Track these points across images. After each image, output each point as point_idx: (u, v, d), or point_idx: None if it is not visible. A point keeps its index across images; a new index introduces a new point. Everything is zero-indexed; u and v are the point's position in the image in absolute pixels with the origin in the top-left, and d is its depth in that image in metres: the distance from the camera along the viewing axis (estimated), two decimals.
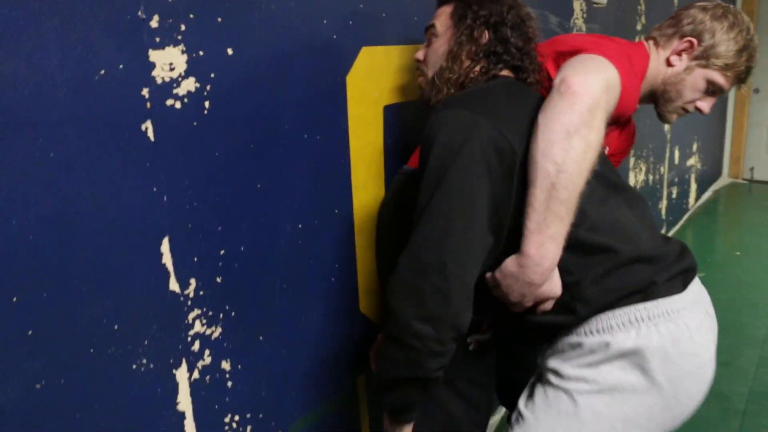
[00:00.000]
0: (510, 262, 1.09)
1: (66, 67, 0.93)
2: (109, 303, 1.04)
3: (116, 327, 1.06)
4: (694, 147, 4.81)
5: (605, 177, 1.15)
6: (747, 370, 2.66)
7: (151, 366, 1.12)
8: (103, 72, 0.98)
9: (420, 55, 1.35)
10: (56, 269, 0.96)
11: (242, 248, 1.23)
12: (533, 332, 1.22)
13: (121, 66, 1.00)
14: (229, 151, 1.18)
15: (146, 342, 1.11)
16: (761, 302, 3.30)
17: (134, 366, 1.10)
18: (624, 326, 1.06)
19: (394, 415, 1.19)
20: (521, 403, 1.19)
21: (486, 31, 1.23)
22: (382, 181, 1.56)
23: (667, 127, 4.04)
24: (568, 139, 1.01)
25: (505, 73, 1.25)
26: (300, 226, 1.35)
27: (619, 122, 1.50)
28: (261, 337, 1.31)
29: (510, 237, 1.09)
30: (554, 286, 1.10)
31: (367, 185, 1.52)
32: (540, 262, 1.05)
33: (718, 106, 5.44)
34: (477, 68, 1.24)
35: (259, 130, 1.23)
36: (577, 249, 1.09)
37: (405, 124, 1.59)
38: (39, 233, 0.93)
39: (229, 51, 1.16)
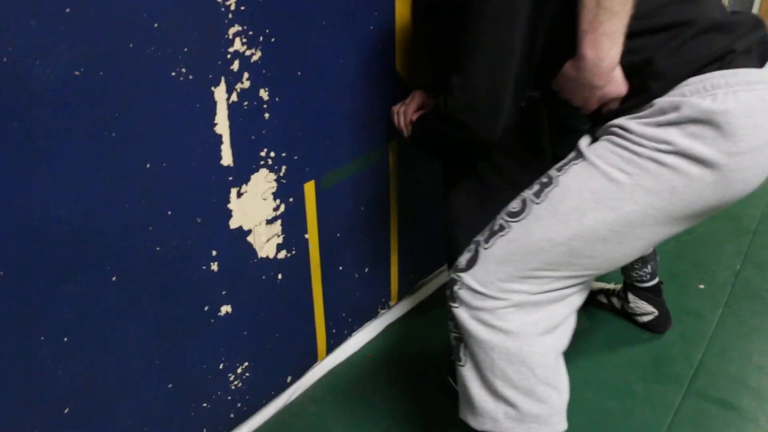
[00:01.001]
0: (568, 66, 1.07)
1: None
2: None
3: (156, 25, 1.00)
4: None
5: None
6: (761, 196, 2.67)
7: (190, 77, 1.08)
8: None
9: None
10: None
11: None
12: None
13: None
14: None
15: (186, 49, 1.05)
16: None
17: (173, 73, 1.05)
18: (699, 92, 0.99)
19: None
20: (583, 143, 1.12)
21: None
22: None
23: None
24: None
25: None
26: None
27: None
28: (299, 72, 1.26)
29: (567, 42, 1.05)
30: (618, 85, 1.05)
31: None
32: (597, 62, 1.01)
33: None
34: None
35: None
36: (645, 32, 1.03)
37: None
38: None
39: None
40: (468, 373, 1.16)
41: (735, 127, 0.96)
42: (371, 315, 1.78)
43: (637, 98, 1.05)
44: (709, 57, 1.00)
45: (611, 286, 1.97)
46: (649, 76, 1.02)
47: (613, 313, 1.96)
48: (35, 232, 0.95)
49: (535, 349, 1.11)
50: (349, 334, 1.71)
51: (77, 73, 0.92)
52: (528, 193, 1.12)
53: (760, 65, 1.03)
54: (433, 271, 2.02)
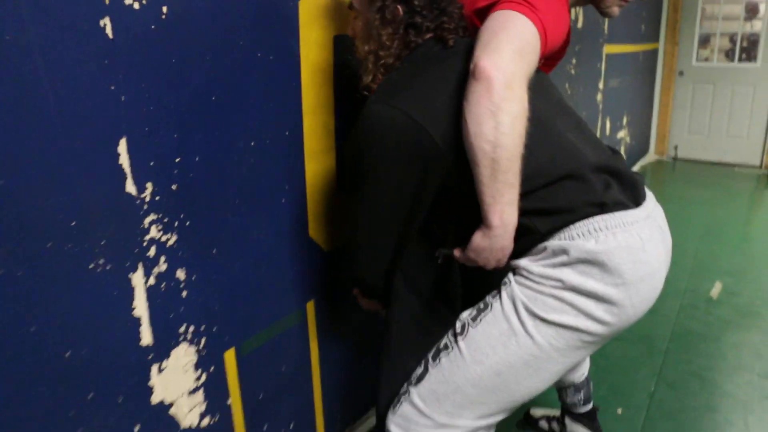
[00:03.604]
0: (479, 239, 1.19)
1: None
2: (66, 198, 1.05)
3: (73, 223, 1.07)
4: (624, 120, 4.99)
5: (546, 104, 1.24)
6: (669, 316, 2.83)
7: (108, 267, 1.14)
8: None
9: (350, 31, 1.41)
10: (12, 156, 0.96)
11: (197, 158, 1.25)
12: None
13: None
14: (185, 59, 1.20)
15: (103, 242, 1.12)
16: (680, 260, 3.48)
17: (91, 265, 1.11)
18: (584, 235, 1.14)
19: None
20: (489, 297, 1.25)
21: (398, 7, 1.27)
22: (332, 107, 1.60)
23: (599, 97, 4.20)
24: (494, 117, 1.06)
25: (428, 36, 1.29)
26: (252, 143, 1.37)
27: (553, 56, 1.52)
28: (214, 250, 1.34)
29: (466, 214, 1.21)
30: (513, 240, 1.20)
31: (316, 110, 1.55)
32: (506, 228, 1.15)
33: (646, 86, 5.67)
34: (400, 44, 1.29)
35: (215, 42, 1.25)
36: (534, 189, 1.17)
37: (354, 54, 1.62)
38: None
39: None
40: None
41: (617, 264, 1.13)
42: None
43: (525, 238, 1.19)
44: (591, 203, 1.15)
45: (553, 412, 2.04)
46: (538, 220, 1.17)
47: None
48: None
49: None
50: None
51: None
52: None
53: (636, 205, 1.20)
54: (361, 416, 2.04)
